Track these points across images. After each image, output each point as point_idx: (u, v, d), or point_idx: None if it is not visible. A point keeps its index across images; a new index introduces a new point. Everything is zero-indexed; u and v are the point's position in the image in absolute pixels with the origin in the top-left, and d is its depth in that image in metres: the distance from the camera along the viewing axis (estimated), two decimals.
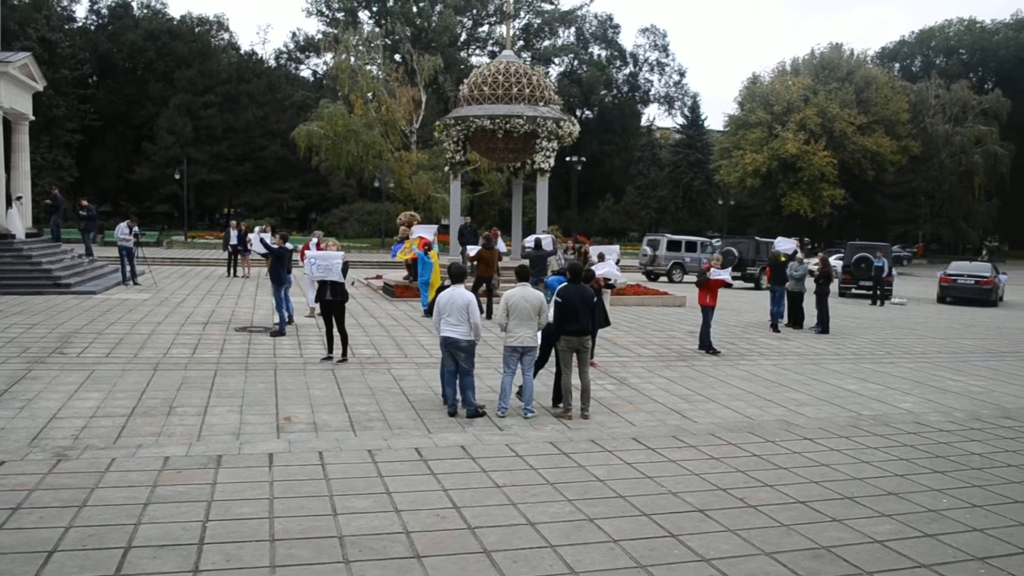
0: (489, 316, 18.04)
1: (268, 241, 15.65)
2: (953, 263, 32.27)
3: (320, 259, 12.68)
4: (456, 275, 9.87)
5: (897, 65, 76.53)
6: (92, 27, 67.09)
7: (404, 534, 5.97)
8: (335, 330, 12.78)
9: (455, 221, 25.22)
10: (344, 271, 12.64)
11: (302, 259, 17.43)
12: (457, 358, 9.61)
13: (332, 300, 12.59)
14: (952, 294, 29.25)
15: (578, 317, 9.78)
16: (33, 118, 24.38)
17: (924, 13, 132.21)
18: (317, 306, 14.01)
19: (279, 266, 15.44)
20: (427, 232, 19.07)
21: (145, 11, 68.21)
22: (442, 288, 10.03)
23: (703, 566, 5.65)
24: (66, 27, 60.61)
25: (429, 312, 18.17)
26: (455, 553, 5.67)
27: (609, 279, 13.51)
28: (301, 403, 9.99)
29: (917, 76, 73.19)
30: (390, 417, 9.50)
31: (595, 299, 10.13)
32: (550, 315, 10.03)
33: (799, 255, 19.56)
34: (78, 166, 57.61)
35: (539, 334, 9.98)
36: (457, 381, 9.81)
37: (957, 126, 65.74)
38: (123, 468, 7.21)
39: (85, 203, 27.84)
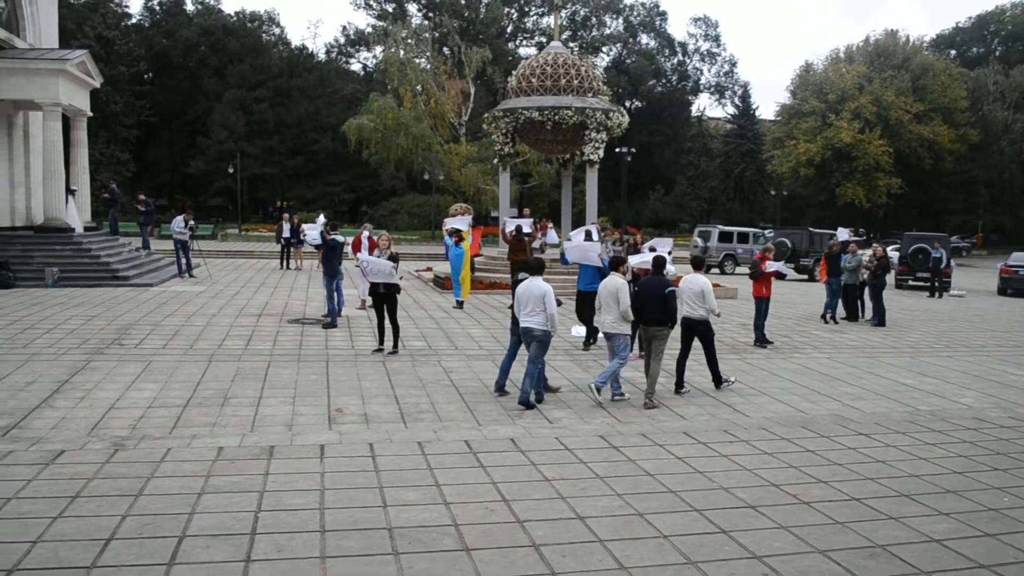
0: None
1: (324, 235, 15.80)
2: (1014, 254, 31.40)
3: (372, 264, 12.73)
4: (535, 268, 10.15)
5: (953, 52, 74.63)
6: (147, 24, 68.37)
7: (453, 527, 5.98)
8: (386, 322, 12.86)
9: (505, 213, 25.26)
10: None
11: (353, 253, 17.58)
12: (529, 346, 9.86)
13: (384, 292, 12.67)
14: (1013, 286, 28.49)
15: (644, 308, 10.12)
16: (91, 114, 24.89)
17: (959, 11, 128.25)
18: (369, 299, 14.13)
19: (332, 258, 15.58)
20: (460, 224, 19.10)
21: (198, 7, 69.34)
22: (516, 282, 10.27)
23: (755, 563, 5.57)
24: (122, 25, 61.84)
25: (460, 305, 18.26)
26: (504, 546, 5.66)
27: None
28: (352, 395, 10.07)
29: (975, 62, 71.35)
30: (440, 409, 9.53)
31: (668, 290, 10.21)
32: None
33: (852, 246, 19.21)
34: (135, 161, 58.81)
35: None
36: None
37: (1017, 113, 63.97)
38: (178, 458, 7.33)
39: (142, 197, 28.39)
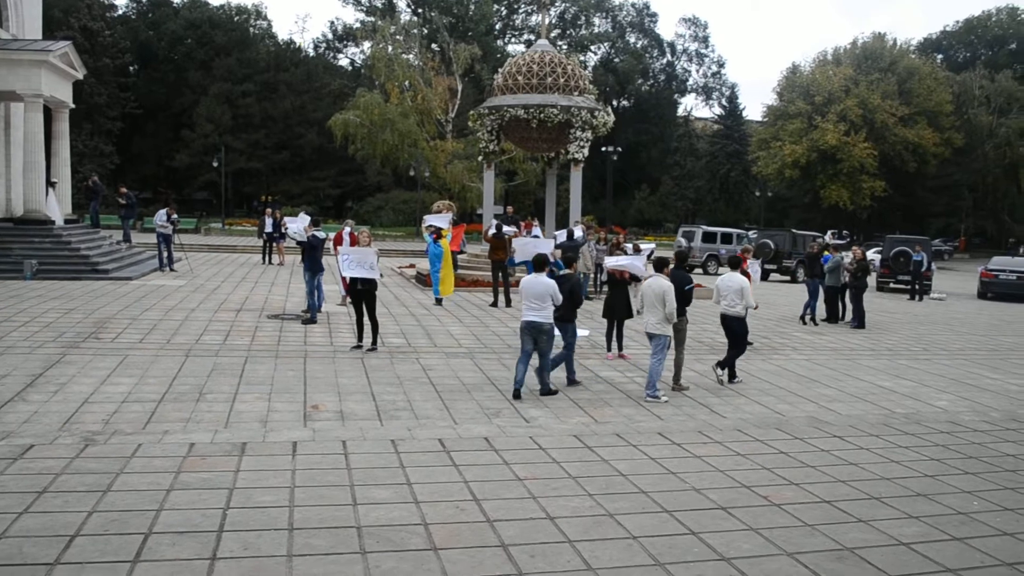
0: (508, 303, 18.08)
1: (300, 232, 15.80)
2: (995, 258, 31.66)
3: (354, 255, 12.69)
4: (538, 264, 10.55)
5: (940, 56, 75.05)
6: (133, 16, 67.89)
7: (422, 526, 5.96)
8: (366, 319, 12.82)
9: (489, 210, 25.22)
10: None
11: (334, 248, 17.53)
12: (538, 340, 10.21)
13: (363, 289, 12.64)
14: (993, 290, 28.71)
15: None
16: (73, 106, 24.67)
17: (958, 10, 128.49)
18: (348, 295, 14.09)
19: (313, 254, 15.51)
20: (439, 221, 19.05)
21: (184, 0, 68.90)
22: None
23: (723, 565, 5.57)
24: (107, 16, 61.37)
25: (440, 302, 18.26)
26: (472, 546, 5.65)
27: (633, 273, 13.46)
28: (329, 391, 10.04)
29: (961, 67, 71.75)
30: (417, 407, 9.51)
31: (688, 287, 11.18)
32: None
33: (829, 247, 19.35)
34: (119, 153, 58.42)
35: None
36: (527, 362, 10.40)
37: (1002, 117, 64.37)
38: (149, 454, 7.28)
39: (124, 191, 28.23)
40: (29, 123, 21.56)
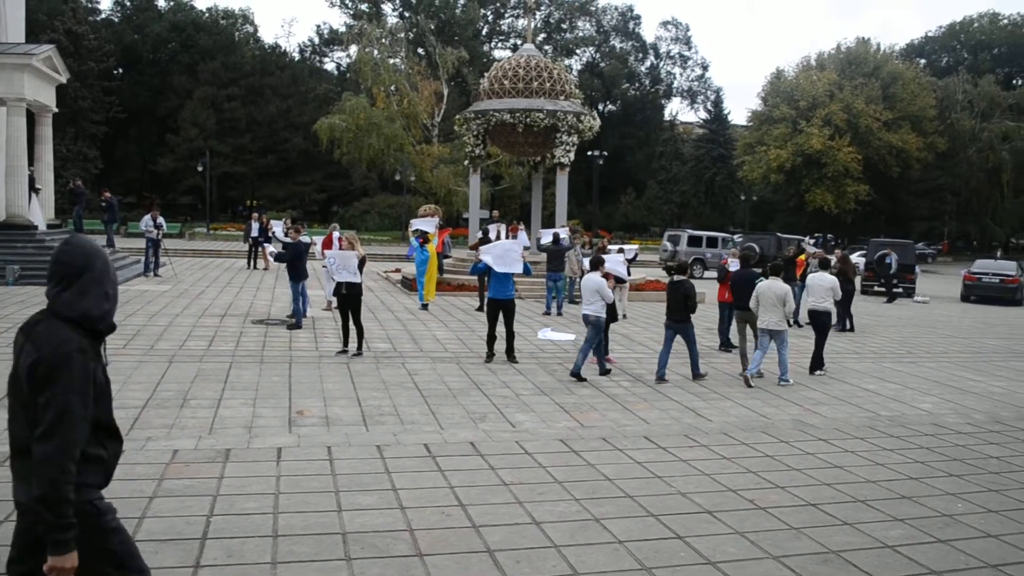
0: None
1: (280, 235, 15.79)
2: (978, 261, 31.92)
3: (339, 258, 12.74)
4: (593, 263, 12.20)
5: (923, 61, 75.58)
6: (117, 19, 67.57)
7: (408, 532, 5.93)
8: (351, 323, 12.79)
9: (475, 215, 25.24)
10: (361, 266, 12.66)
11: (322, 252, 17.49)
12: (587, 330, 11.75)
13: (347, 293, 12.62)
14: (976, 293, 28.94)
15: (741, 296, 12.57)
16: (56, 110, 24.55)
17: (952, 9, 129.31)
18: (334, 300, 14.07)
19: (297, 260, 15.45)
20: (426, 225, 19.03)
21: (169, 3, 68.67)
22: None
23: (709, 569, 5.57)
24: (91, 19, 61.07)
25: (425, 307, 18.23)
26: (458, 552, 5.62)
27: (617, 275, 13.69)
28: (314, 397, 9.99)
29: (944, 72, 72.30)
30: (402, 412, 9.47)
31: (756, 281, 12.32)
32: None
33: (808, 250, 19.51)
34: (103, 158, 58.04)
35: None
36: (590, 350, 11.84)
37: (984, 122, 64.89)
38: (131, 461, 7.19)
39: (107, 195, 28.09)
40: (12, 127, 21.42)
